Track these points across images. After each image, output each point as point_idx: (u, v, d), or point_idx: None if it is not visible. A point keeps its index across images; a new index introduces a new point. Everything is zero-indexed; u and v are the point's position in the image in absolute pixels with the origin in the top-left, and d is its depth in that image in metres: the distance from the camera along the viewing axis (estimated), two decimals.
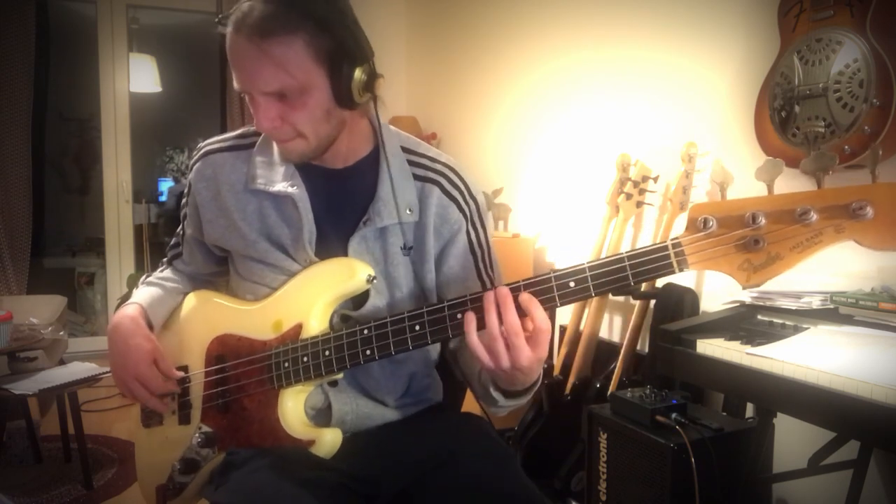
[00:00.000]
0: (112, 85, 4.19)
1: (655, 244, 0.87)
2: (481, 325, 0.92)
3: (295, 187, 1.11)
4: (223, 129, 1.26)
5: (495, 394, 1.03)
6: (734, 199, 0.84)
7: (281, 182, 1.12)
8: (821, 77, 1.64)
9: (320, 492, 0.95)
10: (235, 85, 1.02)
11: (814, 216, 0.79)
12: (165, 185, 6.18)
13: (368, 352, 1.01)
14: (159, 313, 1.24)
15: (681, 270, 0.85)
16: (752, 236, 0.82)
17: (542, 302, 0.91)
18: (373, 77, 1.03)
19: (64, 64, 4.82)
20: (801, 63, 1.69)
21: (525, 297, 0.90)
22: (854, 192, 0.78)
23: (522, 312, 0.90)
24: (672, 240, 0.86)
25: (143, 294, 1.24)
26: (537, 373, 0.96)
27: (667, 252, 0.85)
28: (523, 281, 0.93)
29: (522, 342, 0.89)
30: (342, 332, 1.03)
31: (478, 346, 0.91)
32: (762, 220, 0.81)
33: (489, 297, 0.91)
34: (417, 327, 0.98)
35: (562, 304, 0.92)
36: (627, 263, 0.87)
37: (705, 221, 0.84)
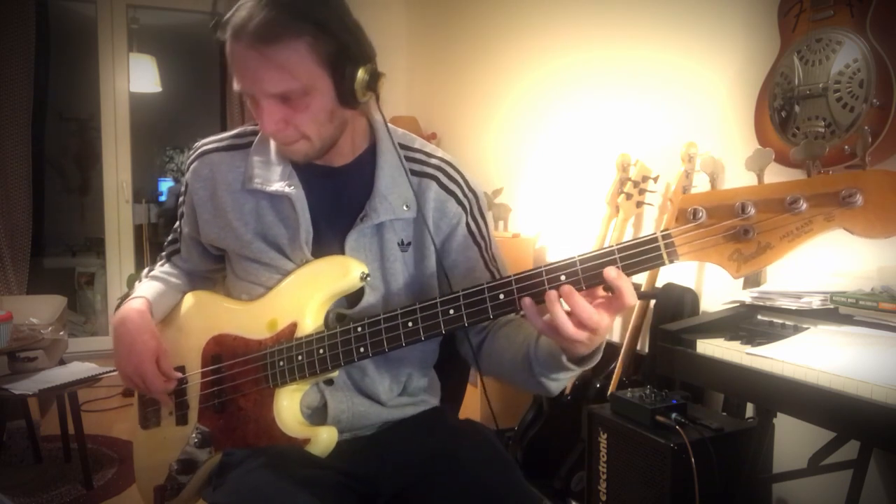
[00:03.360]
0: (112, 85, 4.19)
1: (645, 236, 0.85)
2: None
3: (292, 187, 1.11)
4: (223, 129, 1.25)
5: (569, 364, 0.98)
6: (724, 189, 0.83)
7: (278, 182, 1.12)
8: (821, 77, 1.64)
9: (318, 490, 0.95)
10: (235, 86, 1.02)
11: (803, 205, 0.78)
12: (165, 185, 6.19)
13: (362, 349, 1.01)
14: (162, 308, 1.24)
15: (671, 262, 0.84)
16: (741, 226, 0.81)
17: (533, 297, 0.90)
18: (375, 76, 1.03)
19: (64, 64, 4.82)
20: (801, 63, 1.69)
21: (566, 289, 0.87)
22: (844, 179, 0.77)
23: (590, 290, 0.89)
24: (662, 231, 0.85)
25: (149, 288, 1.24)
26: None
27: (657, 244, 0.84)
28: (514, 275, 0.92)
29: (595, 313, 0.87)
30: (336, 331, 1.03)
31: (566, 331, 0.88)
32: (751, 210, 0.80)
33: (551, 296, 0.88)
34: (410, 324, 0.98)
35: None
36: (618, 256, 0.86)
37: (695, 212, 0.83)
